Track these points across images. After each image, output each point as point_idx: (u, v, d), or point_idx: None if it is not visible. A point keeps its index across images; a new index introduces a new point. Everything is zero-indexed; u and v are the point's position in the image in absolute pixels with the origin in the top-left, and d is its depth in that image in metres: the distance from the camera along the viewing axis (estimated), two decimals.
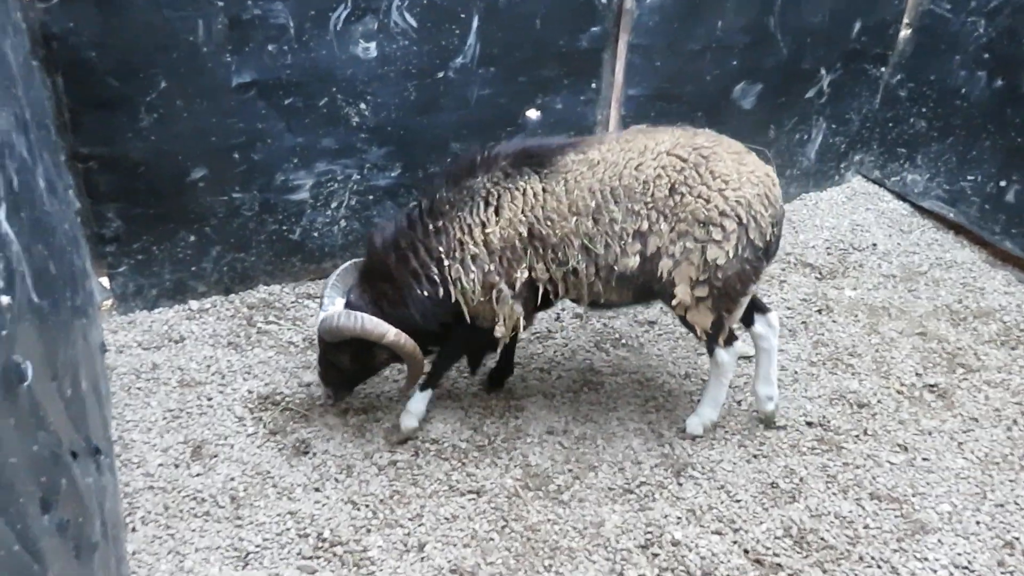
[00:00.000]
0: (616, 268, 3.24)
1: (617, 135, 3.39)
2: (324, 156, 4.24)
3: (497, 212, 3.20)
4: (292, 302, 4.52)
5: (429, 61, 4.18)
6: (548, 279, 3.25)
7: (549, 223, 3.15)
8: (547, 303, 3.46)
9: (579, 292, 3.32)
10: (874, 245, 5.40)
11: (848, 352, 4.41)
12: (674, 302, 3.28)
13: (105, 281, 4.19)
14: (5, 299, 1.69)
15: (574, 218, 3.17)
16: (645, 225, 3.19)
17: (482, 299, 3.23)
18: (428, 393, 3.69)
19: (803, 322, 4.63)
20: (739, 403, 4.02)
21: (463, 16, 4.17)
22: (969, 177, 5.28)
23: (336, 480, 3.47)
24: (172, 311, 4.36)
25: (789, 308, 4.75)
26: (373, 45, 4.05)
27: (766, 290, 4.90)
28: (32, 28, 3.40)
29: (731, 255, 3.18)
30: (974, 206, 5.28)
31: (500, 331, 3.30)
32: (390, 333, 3.29)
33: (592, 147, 3.28)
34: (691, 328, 3.43)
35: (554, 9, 4.35)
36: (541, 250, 3.18)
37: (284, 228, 4.38)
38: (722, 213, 3.14)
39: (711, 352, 3.58)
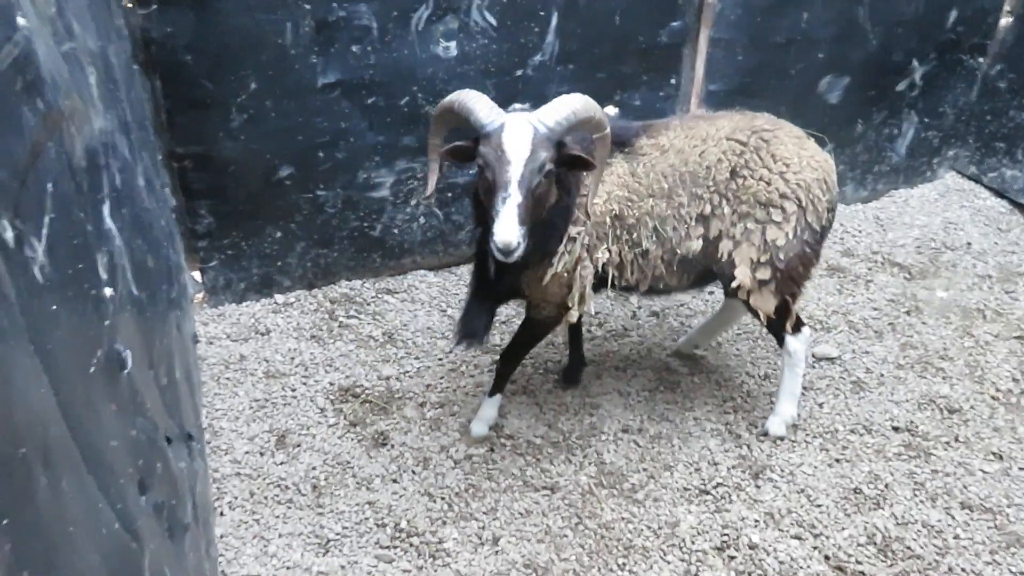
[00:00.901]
0: (679, 251, 3.26)
1: (680, 121, 3.41)
2: (405, 154, 4.33)
3: (601, 184, 3.15)
4: (372, 297, 4.63)
5: (508, 59, 4.21)
6: (619, 262, 3.23)
7: (630, 203, 3.15)
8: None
9: (643, 275, 3.29)
10: (968, 244, 5.17)
11: (939, 356, 4.24)
12: (735, 283, 3.28)
13: (197, 275, 4.38)
14: (108, 291, 1.79)
15: (650, 200, 3.18)
16: (708, 208, 3.23)
17: (568, 272, 3.16)
18: (497, 398, 3.72)
19: (890, 324, 4.47)
20: (820, 406, 3.91)
21: (542, 14, 4.18)
22: None
23: (413, 472, 3.54)
24: (259, 304, 4.52)
25: (875, 309, 4.59)
26: (453, 44, 4.11)
27: (851, 289, 4.75)
28: (133, 33, 3.58)
29: (791, 236, 3.22)
30: None
31: (573, 314, 3.26)
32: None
33: (660, 132, 3.31)
34: (756, 315, 3.41)
35: (634, 4, 4.32)
36: (619, 231, 3.17)
37: (365, 225, 4.49)
38: (782, 195, 3.19)
39: (780, 341, 3.56)
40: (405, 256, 4.68)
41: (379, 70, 4.04)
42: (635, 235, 3.19)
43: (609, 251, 3.18)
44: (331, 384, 4.00)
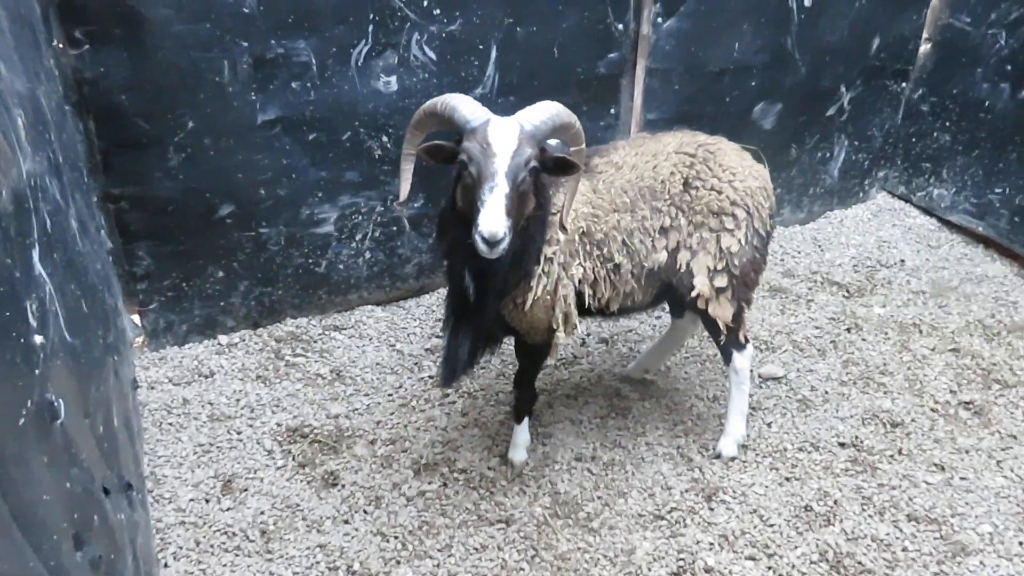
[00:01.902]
0: (646, 264, 3.31)
1: (625, 142, 3.51)
2: (348, 189, 4.30)
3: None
4: (319, 334, 4.56)
5: (449, 92, 4.22)
6: (592, 279, 3.24)
7: (596, 219, 3.18)
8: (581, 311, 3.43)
9: (615, 292, 3.31)
10: (902, 261, 5.34)
11: (879, 371, 4.35)
12: (694, 292, 3.35)
13: (136, 318, 4.26)
14: (39, 339, 1.73)
15: (615, 214, 3.23)
16: (667, 221, 3.31)
17: (548, 295, 3.13)
18: (525, 423, 3.69)
19: (832, 341, 4.58)
20: (769, 425, 3.97)
21: (481, 47, 4.23)
22: (997, 190, 5.22)
23: (365, 512, 3.47)
24: (202, 346, 4.41)
25: (817, 327, 4.70)
26: (394, 79, 4.12)
27: (793, 309, 4.86)
28: (64, 73, 3.51)
29: (743, 243, 3.34)
30: (1003, 219, 5.21)
31: (560, 336, 3.23)
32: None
33: (611, 152, 3.40)
34: (713, 326, 3.48)
35: (571, 37, 4.40)
36: (589, 247, 3.19)
37: (310, 261, 4.43)
38: (733, 203, 3.31)
39: (728, 359, 3.64)
40: (351, 292, 4.63)
41: (319, 106, 4.03)
42: (605, 250, 3.23)
43: (583, 268, 3.19)
44: (278, 425, 3.91)
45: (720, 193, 3.31)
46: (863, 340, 4.60)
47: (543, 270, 3.06)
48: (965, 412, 4.07)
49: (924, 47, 5.45)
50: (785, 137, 5.29)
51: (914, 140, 5.70)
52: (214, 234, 4.12)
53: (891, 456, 3.80)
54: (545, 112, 2.74)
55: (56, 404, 1.78)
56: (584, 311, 3.35)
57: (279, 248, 4.31)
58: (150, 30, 3.53)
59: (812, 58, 5.01)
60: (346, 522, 3.43)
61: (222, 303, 4.34)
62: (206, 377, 4.21)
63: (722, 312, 3.42)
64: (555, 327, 3.19)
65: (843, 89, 5.28)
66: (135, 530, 2.46)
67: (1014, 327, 4.68)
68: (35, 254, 1.96)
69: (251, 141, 3.97)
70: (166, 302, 4.22)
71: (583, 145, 2.89)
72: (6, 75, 2.13)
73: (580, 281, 3.21)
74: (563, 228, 2.99)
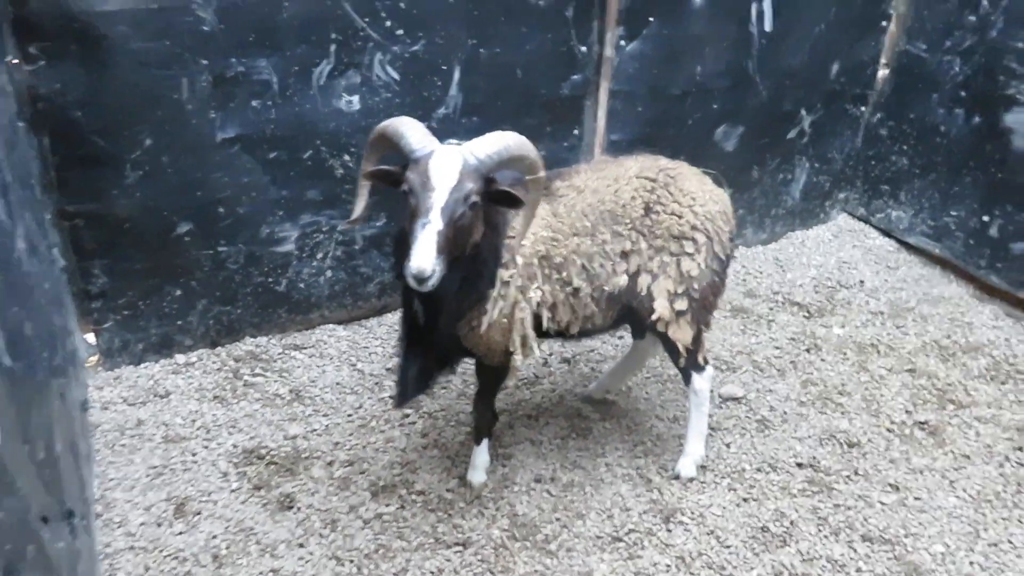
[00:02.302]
0: (607, 288, 3.31)
1: (587, 166, 3.52)
2: (309, 208, 4.28)
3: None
4: (279, 354, 4.51)
5: (412, 112, 4.11)
6: (551, 302, 3.24)
7: (555, 243, 3.18)
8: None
9: (574, 315, 3.31)
10: (861, 282, 5.42)
11: (837, 391, 4.40)
12: (654, 316, 3.36)
13: (91, 337, 4.19)
14: None
15: (575, 238, 3.22)
16: (628, 245, 3.31)
17: (504, 318, 3.12)
18: (484, 443, 3.67)
19: (791, 361, 4.62)
20: (728, 446, 3.99)
21: (444, 68, 4.24)
22: (952, 212, 5.32)
23: (320, 535, 3.43)
24: (158, 366, 4.34)
25: (777, 348, 4.74)
26: (356, 98, 4.11)
27: (754, 329, 4.90)
28: (19, 90, 3.46)
29: (703, 266, 3.36)
30: (959, 241, 5.30)
31: (518, 359, 3.22)
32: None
33: (572, 175, 3.40)
34: (673, 350, 3.49)
35: (535, 59, 4.43)
36: (548, 270, 3.19)
37: (270, 280, 4.39)
38: (693, 227, 3.33)
39: (688, 380, 3.65)
40: (313, 311, 4.60)
41: (281, 124, 4.01)
42: (564, 274, 3.22)
43: (542, 291, 3.19)
44: (234, 446, 3.86)
45: (680, 217, 3.33)
46: (822, 360, 4.65)
47: (499, 293, 3.05)
48: (920, 432, 4.13)
49: (882, 72, 5.55)
50: (747, 159, 5.35)
51: (873, 163, 5.80)
52: (172, 252, 4.07)
53: (847, 476, 3.83)
54: (494, 145, 2.72)
55: None
56: (543, 334, 3.35)
57: (238, 266, 4.27)
58: (107, 47, 3.49)
59: (773, 82, 5.09)
60: (301, 546, 3.38)
61: (179, 322, 4.28)
62: (161, 397, 4.14)
63: (682, 335, 3.44)
64: (512, 350, 3.19)
65: (804, 112, 5.37)
66: (76, 558, 2.40)
67: (969, 348, 4.76)
68: None
69: (210, 159, 3.93)
70: (122, 321, 4.16)
71: (541, 174, 2.86)
72: None
73: (538, 304, 3.21)
74: (514, 256, 3.01)
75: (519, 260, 3.08)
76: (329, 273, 4.53)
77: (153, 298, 4.17)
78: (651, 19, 4.59)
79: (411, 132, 2.72)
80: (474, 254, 2.91)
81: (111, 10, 3.43)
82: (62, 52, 3.44)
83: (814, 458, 3.92)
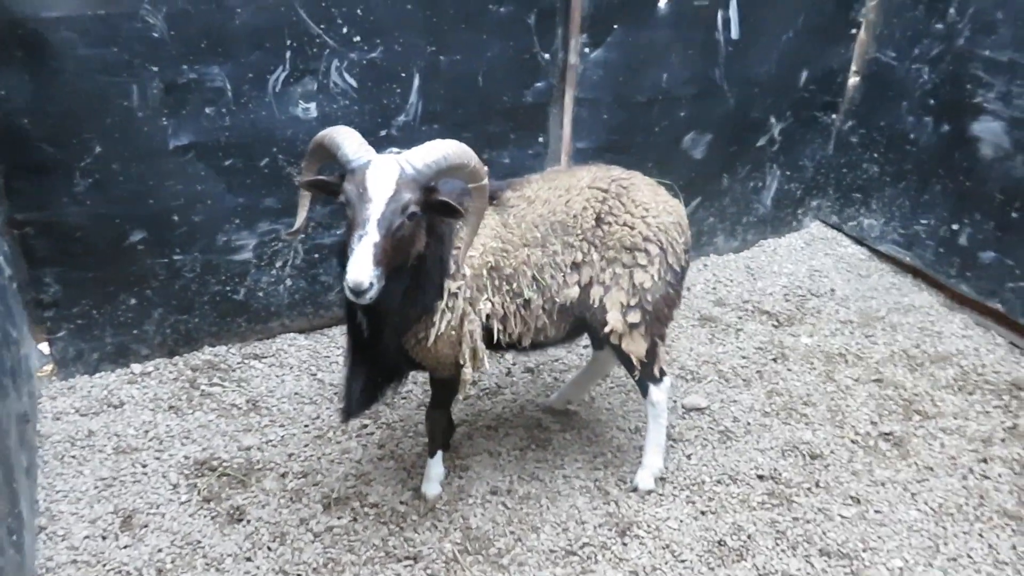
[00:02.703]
0: (558, 300, 3.27)
1: (539, 176, 3.46)
2: (267, 216, 4.23)
3: (476, 237, 3.08)
4: (238, 363, 4.46)
5: (371, 120, 4.20)
6: (502, 314, 3.19)
7: (505, 254, 3.13)
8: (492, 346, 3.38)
9: (526, 327, 3.26)
10: (832, 291, 5.38)
11: (802, 401, 4.35)
12: (607, 328, 3.30)
13: (45, 347, 4.13)
14: None
15: (525, 249, 3.18)
16: (580, 256, 3.26)
17: (452, 330, 3.08)
18: (439, 455, 3.61)
19: (758, 371, 4.58)
20: (688, 457, 3.94)
21: (403, 75, 4.20)
22: (923, 221, 5.28)
23: (269, 549, 3.37)
24: (114, 375, 4.29)
25: (744, 357, 4.70)
26: (313, 106, 4.07)
27: (722, 339, 4.86)
28: None
29: (656, 279, 3.30)
30: (929, 249, 5.27)
31: (467, 372, 3.18)
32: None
33: (523, 186, 3.35)
34: (627, 361, 3.44)
35: (496, 66, 4.39)
36: (498, 281, 3.14)
37: (228, 289, 4.34)
38: (646, 239, 3.28)
39: (645, 392, 3.61)
40: (272, 319, 4.54)
41: (236, 132, 3.96)
42: (515, 285, 3.17)
43: (491, 303, 3.13)
44: (186, 458, 3.80)
45: (632, 228, 3.28)
46: (788, 370, 4.61)
47: (447, 305, 3.00)
48: (884, 443, 4.08)
49: (853, 79, 5.53)
50: (716, 167, 5.32)
51: (845, 171, 5.77)
52: (125, 261, 4.02)
53: (808, 489, 3.79)
54: (432, 154, 2.66)
55: None
56: (494, 346, 3.30)
57: (195, 275, 4.21)
58: (52, 53, 3.44)
59: (740, 89, 5.06)
60: (248, 559, 3.33)
61: (135, 331, 4.23)
62: (115, 407, 4.08)
63: (635, 348, 3.39)
64: (462, 363, 3.14)
65: (773, 120, 5.33)
66: None
67: (937, 357, 4.72)
68: None
69: (163, 167, 3.88)
70: (75, 330, 4.10)
71: (484, 181, 2.81)
72: None
73: (488, 317, 3.16)
74: (460, 267, 2.97)
75: (467, 271, 3.03)
76: (289, 282, 4.48)
77: (107, 307, 4.11)
78: (615, 26, 4.56)
79: (347, 142, 2.67)
80: (418, 264, 2.86)
81: (56, 16, 3.38)
82: (7, 58, 3.40)
83: (775, 470, 3.88)
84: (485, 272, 3.11)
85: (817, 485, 3.80)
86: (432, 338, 3.05)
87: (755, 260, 5.74)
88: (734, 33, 4.83)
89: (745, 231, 5.74)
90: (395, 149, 2.76)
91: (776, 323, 5.06)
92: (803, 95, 5.37)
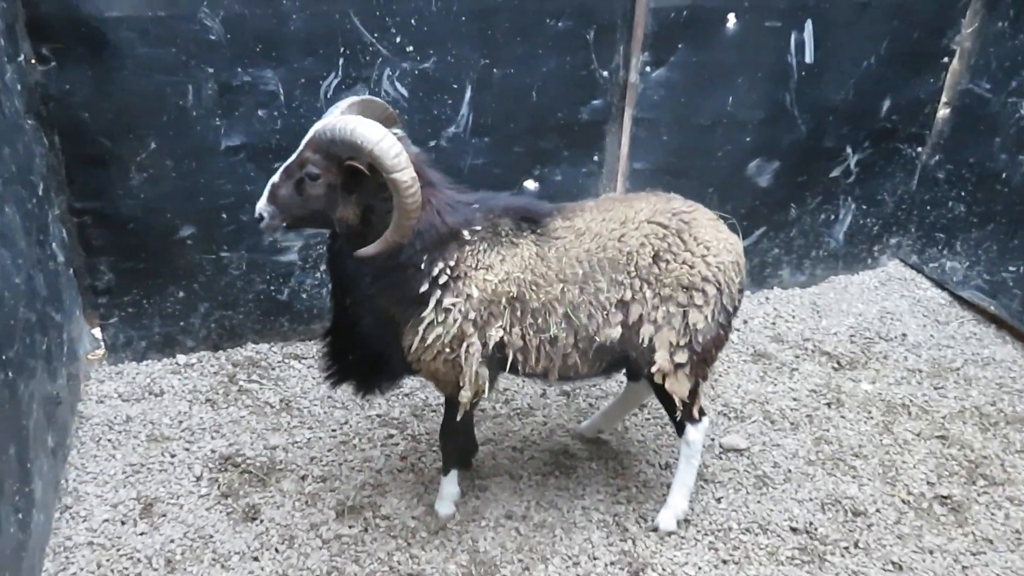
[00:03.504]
0: (597, 339, 3.12)
1: (595, 204, 3.31)
2: None
3: (501, 262, 3.04)
4: (278, 362, 4.53)
5: (421, 130, 4.19)
6: (522, 346, 3.11)
7: (535, 287, 3.03)
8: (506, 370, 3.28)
9: (551, 362, 3.15)
10: (904, 335, 5.02)
11: (853, 452, 4.06)
12: (654, 368, 3.16)
13: (98, 332, 4.31)
14: None
15: (560, 285, 3.06)
16: (628, 294, 3.11)
17: (447, 350, 3.01)
18: (453, 474, 3.57)
19: (808, 416, 4.31)
20: (718, 500, 3.73)
21: (455, 87, 4.17)
22: (1011, 267, 4.87)
23: (276, 551, 3.38)
24: (160, 364, 4.43)
25: (795, 399, 4.43)
26: None
27: (774, 377, 4.60)
28: (31, 89, 3.59)
29: (709, 319, 3.14)
30: (1016, 299, 4.85)
31: (465, 395, 3.11)
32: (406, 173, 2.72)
33: (576, 215, 3.21)
34: (667, 401, 3.29)
35: (551, 82, 4.31)
36: (520, 313, 3.05)
37: (272, 288, 4.42)
38: (704, 279, 3.12)
39: (681, 431, 3.43)
40: (315, 321, 4.59)
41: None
42: (539, 320, 3.06)
43: (506, 331, 3.05)
44: (212, 451, 3.87)
45: (692, 268, 3.10)
46: (842, 417, 4.31)
47: (436, 319, 2.94)
48: (940, 507, 3.75)
49: (942, 111, 5.16)
50: (783, 196, 5.06)
51: (929, 208, 5.39)
52: (175, 254, 4.15)
53: (845, 548, 3.51)
54: (336, 124, 2.72)
55: None
56: (515, 372, 3.21)
57: (240, 273, 4.31)
58: (113, 51, 3.59)
59: (813, 116, 4.80)
60: (255, 559, 3.35)
61: (182, 323, 4.36)
62: (156, 396, 4.21)
63: (679, 388, 3.21)
64: (461, 385, 3.07)
65: (849, 150, 5.04)
66: None
67: (1014, 418, 4.32)
68: None
69: (214, 165, 3.99)
70: (126, 318, 4.26)
71: (396, 175, 2.65)
72: None
73: (504, 345, 3.07)
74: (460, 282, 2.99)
75: (474, 292, 2.95)
76: None
77: (156, 298, 4.25)
78: (679, 45, 4.40)
79: (339, 105, 2.94)
80: (357, 239, 2.88)
81: (118, 15, 3.53)
82: (71, 54, 3.56)
83: (811, 524, 3.62)
84: (504, 300, 3.01)
85: (856, 545, 3.53)
86: (415, 346, 3.00)
87: (822, 297, 5.43)
88: (808, 57, 4.59)
89: (813, 265, 5.44)
90: (397, 131, 2.78)
91: (836, 365, 4.75)
92: (884, 125, 5.04)
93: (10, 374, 2.80)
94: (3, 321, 2.82)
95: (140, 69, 3.67)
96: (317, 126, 2.78)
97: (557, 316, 3.06)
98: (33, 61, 3.59)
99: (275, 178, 2.86)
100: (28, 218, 3.34)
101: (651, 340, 3.13)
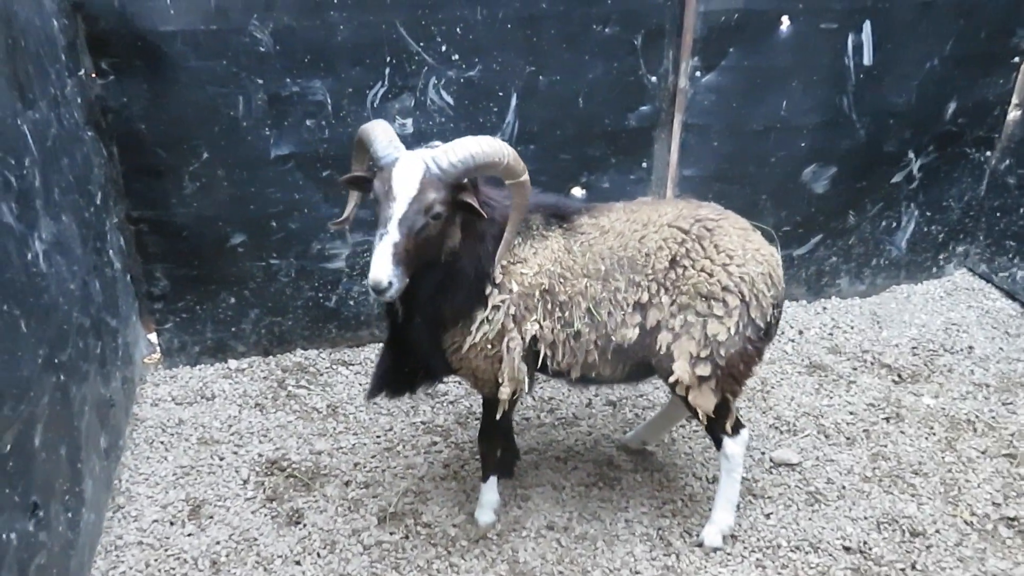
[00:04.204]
0: (614, 339, 3.07)
1: (624, 205, 3.28)
2: (360, 227, 4.32)
3: (534, 255, 3.05)
4: (326, 367, 4.59)
5: (466, 136, 4.18)
6: (551, 340, 3.08)
7: (563, 280, 3.02)
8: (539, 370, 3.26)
9: (574, 359, 3.11)
10: (970, 348, 4.79)
11: (912, 470, 3.89)
12: (672, 378, 3.06)
13: (154, 336, 4.44)
14: None
15: (585, 279, 3.03)
16: (645, 297, 3.05)
17: (489, 346, 3.01)
18: (492, 480, 3.54)
19: (865, 430, 4.14)
20: (767, 516, 3.62)
21: (501, 94, 4.17)
22: None
23: (318, 555, 3.41)
24: (212, 368, 4.53)
25: (852, 413, 4.27)
26: (410, 121, 4.13)
27: (830, 390, 4.45)
28: (90, 102, 3.73)
29: (732, 332, 3.01)
30: None
31: (505, 392, 3.08)
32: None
33: (602, 214, 3.20)
34: (695, 413, 3.19)
35: (598, 88, 4.27)
36: (550, 306, 3.03)
37: (320, 295, 4.48)
38: (725, 288, 3.00)
39: (719, 444, 3.32)
40: (362, 328, 4.64)
41: (334, 144, 4.09)
42: (567, 314, 3.04)
43: (540, 325, 3.03)
44: (260, 455, 3.93)
45: (711, 276, 3.00)
46: (902, 433, 4.13)
47: (487, 316, 2.92)
48: (1006, 530, 3.56)
49: (1013, 113, 4.92)
50: (841, 203, 4.90)
51: (998, 214, 5.14)
52: (226, 261, 4.25)
53: (902, 570, 3.36)
54: (459, 152, 2.64)
55: None
56: (544, 371, 3.18)
57: (289, 280, 4.39)
58: (168, 64, 3.70)
59: (872, 120, 4.63)
60: (297, 563, 3.38)
61: (233, 328, 4.45)
62: (207, 399, 4.31)
63: (703, 402, 3.11)
64: (500, 381, 3.04)
65: (911, 155, 4.85)
66: (34, 551, 2.49)
67: None
68: None
69: (264, 175, 4.07)
70: (180, 323, 4.37)
71: (522, 178, 2.75)
72: None
73: (536, 339, 3.04)
74: (506, 279, 2.93)
75: (515, 287, 2.93)
76: None
77: (209, 304, 4.36)
78: (730, 49, 4.31)
79: (379, 137, 2.70)
80: (452, 259, 2.83)
81: (173, 30, 3.63)
82: (128, 68, 3.69)
83: (865, 543, 3.47)
84: (537, 293, 3.00)
85: (914, 567, 3.37)
86: (467, 346, 2.99)
87: (883, 307, 5.23)
88: (867, 59, 4.43)
89: (874, 274, 5.25)
90: (436, 143, 2.74)
91: (897, 379, 4.56)
92: (950, 129, 4.84)
93: (63, 377, 2.89)
94: (57, 325, 2.93)
95: (193, 81, 3.77)
96: (411, 167, 2.59)
97: (580, 311, 3.04)
98: (92, 75, 3.73)
99: (395, 238, 2.54)
100: (85, 226, 3.46)
101: (669, 348, 3.05)
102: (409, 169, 2.59)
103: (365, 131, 2.78)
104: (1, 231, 2.51)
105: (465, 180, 2.71)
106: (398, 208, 2.55)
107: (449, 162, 2.62)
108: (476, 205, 2.67)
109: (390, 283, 2.54)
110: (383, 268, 2.52)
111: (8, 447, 2.37)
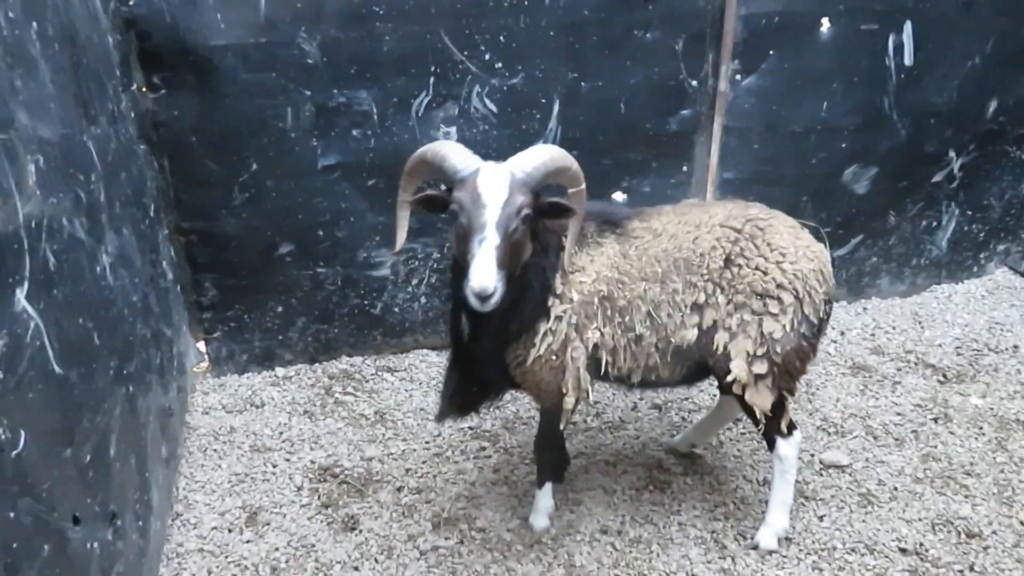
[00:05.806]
0: (673, 340, 3.10)
1: (671, 208, 3.32)
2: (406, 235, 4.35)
3: (591, 262, 3.08)
4: (372, 374, 4.63)
5: (509, 145, 4.22)
6: (612, 346, 3.10)
7: (621, 285, 3.05)
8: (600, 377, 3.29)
9: (635, 363, 3.14)
10: (1015, 347, 4.77)
11: (964, 471, 3.87)
12: (730, 377, 3.08)
13: (202, 345, 4.49)
14: None
15: (643, 283, 3.06)
16: (702, 297, 3.08)
17: (553, 354, 3.02)
18: (548, 487, 3.57)
19: (913, 431, 4.13)
20: (820, 519, 3.61)
21: (543, 101, 4.20)
22: None
23: (376, 561, 3.44)
24: (260, 376, 4.58)
25: (899, 414, 4.26)
26: (454, 129, 4.16)
27: (875, 391, 4.44)
28: (142, 115, 3.79)
29: (788, 329, 3.04)
30: None
31: (569, 401, 3.10)
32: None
33: (652, 217, 3.24)
34: (751, 413, 3.20)
35: (639, 93, 4.29)
36: (610, 312, 3.05)
37: (366, 303, 4.52)
38: (779, 286, 3.03)
39: (771, 444, 3.34)
40: (407, 335, 4.68)
41: (379, 154, 4.13)
42: (627, 318, 3.07)
43: (601, 332, 3.06)
44: (312, 462, 3.97)
45: (766, 274, 3.04)
46: (951, 433, 4.12)
47: (550, 328, 2.95)
48: None
49: None
50: (882, 203, 4.89)
51: None
52: (274, 271, 4.30)
53: (960, 571, 3.35)
54: (537, 157, 2.70)
55: (4, 436, 1.87)
56: (603, 378, 3.20)
57: (335, 288, 4.43)
58: (218, 77, 3.76)
59: (913, 120, 4.62)
60: (356, 569, 3.41)
61: (280, 337, 4.50)
62: (257, 407, 4.36)
63: (760, 400, 3.13)
64: (564, 391, 3.06)
65: (952, 154, 4.83)
66: (113, 559, 2.54)
67: None
68: (20, 292, 2.08)
69: (311, 184, 4.12)
70: (229, 332, 4.43)
71: (583, 186, 2.82)
72: (26, 123, 2.30)
73: (597, 347, 3.06)
74: (569, 289, 2.92)
75: (575, 296, 2.96)
76: (423, 299, 4.60)
77: (257, 313, 4.41)
78: (771, 52, 4.32)
79: (454, 153, 2.73)
80: (522, 275, 2.86)
81: (223, 44, 3.69)
82: (179, 82, 3.75)
83: (921, 545, 3.46)
84: (596, 300, 3.02)
85: (971, 569, 3.35)
86: (531, 359, 3.01)
87: (925, 307, 5.21)
88: (907, 59, 4.43)
89: (915, 274, 5.23)
90: (492, 162, 2.77)
91: (942, 379, 4.55)
92: (991, 127, 4.82)
93: (131, 388, 2.95)
94: (123, 337, 2.98)
95: (242, 94, 3.83)
96: (497, 174, 2.63)
97: (641, 314, 3.06)
98: (144, 89, 3.79)
99: (495, 241, 2.53)
100: (142, 238, 3.52)
101: (726, 347, 3.08)
102: (496, 176, 2.64)
103: (432, 150, 2.78)
104: (74, 245, 2.56)
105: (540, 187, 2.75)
106: (491, 213, 2.57)
107: (532, 166, 2.69)
108: (563, 202, 2.73)
109: (495, 288, 2.50)
110: (488, 273, 2.48)
111: (88, 458, 2.42)
